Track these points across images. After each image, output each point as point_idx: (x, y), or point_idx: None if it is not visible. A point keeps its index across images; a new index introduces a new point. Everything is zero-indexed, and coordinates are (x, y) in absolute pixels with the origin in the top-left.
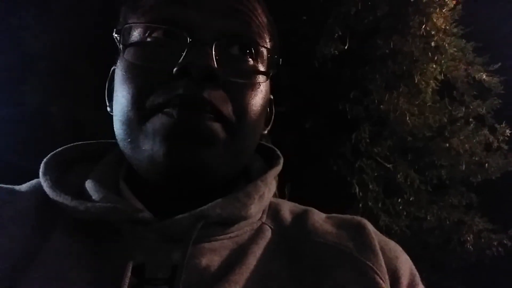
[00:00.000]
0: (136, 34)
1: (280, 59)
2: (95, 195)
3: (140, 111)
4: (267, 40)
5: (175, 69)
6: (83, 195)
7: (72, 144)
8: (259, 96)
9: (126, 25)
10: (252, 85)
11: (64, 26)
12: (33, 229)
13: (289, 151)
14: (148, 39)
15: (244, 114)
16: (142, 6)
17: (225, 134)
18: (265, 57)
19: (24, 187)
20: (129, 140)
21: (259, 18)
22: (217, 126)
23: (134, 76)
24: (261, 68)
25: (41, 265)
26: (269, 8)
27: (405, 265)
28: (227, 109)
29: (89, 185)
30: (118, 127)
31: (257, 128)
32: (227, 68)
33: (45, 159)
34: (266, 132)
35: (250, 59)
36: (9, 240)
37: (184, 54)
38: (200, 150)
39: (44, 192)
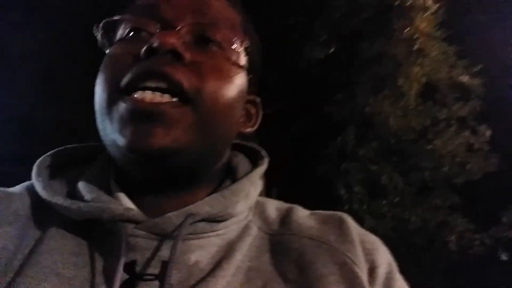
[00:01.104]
0: (117, 33)
1: (258, 58)
2: (87, 195)
3: (110, 96)
4: (240, 36)
5: (142, 50)
6: (76, 196)
7: (64, 147)
8: (228, 82)
9: (104, 21)
10: (220, 69)
11: (51, 30)
12: (27, 229)
13: (275, 154)
14: (127, 36)
15: (210, 95)
16: (125, 10)
17: (186, 114)
18: (236, 50)
19: (16, 188)
20: (101, 127)
21: (230, 15)
22: (176, 110)
23: (109, 64)
24: (232, 57)
25: (36, 264)
26: (255, 12)
27: (383, 256)
28: (190, 85)
29: (81, 186)
30: (96, 118)
31: (227, 116)
32: (195, 51)
33: (37, 162)
34: (249, 130)
35: (218, 47)
36: (4, 239)
37: (152, 37)
38: (158, 134)
39: (37, 193)
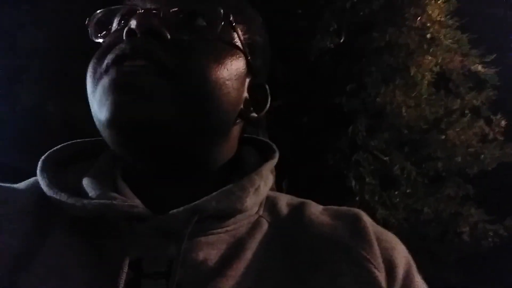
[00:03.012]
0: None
1: (261, 40)
2: (91, 192)
3: (94, 78)
4: (232, 13)
5: (124, 32)
6: (81, 192)
7: (70, 142)
8: (216, 59)
9: (93, 15)
10: (205, 45)
11: (58, 24)
12: (32, 227)
13: (286, 147)
14: (116, 27)
15: (193, 70)
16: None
17: (167, 87)
18: (227, 28)
19: (22, 185)
20: (92, 111)
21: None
22: (160, 80)
23: (96, 54)
24: (223, 35)
25: (41, 263)
26: (264, 2)
27: (401, 255)
28: (171, 61)
29: (86, 182)
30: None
31: (217, 94)
32: (176, 29)
33: (43, 157)
34: (254, 115)
35: (207, 25)
36: (9, 238)
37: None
38: (139, 104)
39: (42, 190)
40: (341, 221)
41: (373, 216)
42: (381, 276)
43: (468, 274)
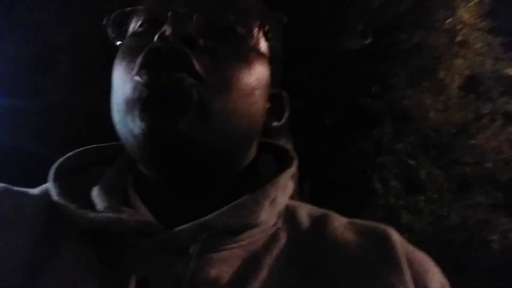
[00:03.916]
0: (130, 26)
1: (280, 48)
2: (100, 204)
3: (125, 86)
4: (259, 21)
5: (155, 38)
6: (91, 202)
7: (83, 148)
8: (246, 70)
9: (114, 14)
10: (237, 55)
11: (85, 20)
12: (42, 235)
13: (309, 147)
14: (139, 29)
15: (225, 81)
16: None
17: (201, 99)
18: (255, 38)
19: (35, 190)
20: (118, 120)
21: (248, 2)
22: (191, 91)
23: (124, 56)
24: (251, 44)
25: (51, 275)
26: (289, 3)
27: (436, 279)
28: (205, 71)
29: (95, 193)
30: (113, 114)
31: (245, 105)
32: (210, 38)
33: (55, 164)
34: (276, 124)
35: (236, 34)
36: (20, 244)
37: (164, 25)
38: (175, 117)
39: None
40: (368, 240)
41: (397, 221)
42: None
43: (495, 284)
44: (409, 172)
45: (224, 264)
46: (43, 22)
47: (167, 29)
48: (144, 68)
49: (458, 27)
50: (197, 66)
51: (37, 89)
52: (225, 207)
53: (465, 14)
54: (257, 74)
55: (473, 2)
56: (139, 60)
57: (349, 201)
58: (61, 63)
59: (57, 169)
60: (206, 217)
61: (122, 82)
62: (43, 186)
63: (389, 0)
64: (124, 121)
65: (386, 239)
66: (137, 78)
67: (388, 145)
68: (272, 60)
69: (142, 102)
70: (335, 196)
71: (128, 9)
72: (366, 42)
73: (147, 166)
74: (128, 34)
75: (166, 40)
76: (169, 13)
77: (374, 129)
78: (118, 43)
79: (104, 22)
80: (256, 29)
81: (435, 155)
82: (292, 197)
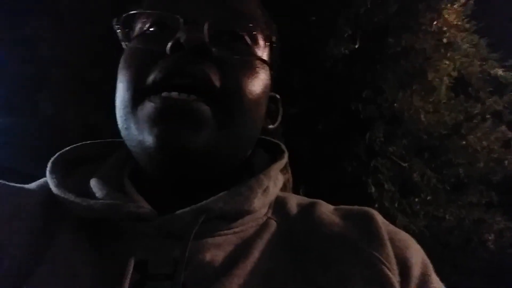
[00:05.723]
0: (136, 27)
1: (278, 54)
2: (98, 193)
3: (135, 94)
4: (264, 30)
5: (168, 45)
6: (89, 193)
7: (80, 144)
8: (254, 78)
9: (124, 15)
10: (247, 64)
11: (77, 35)
12: (41, 227)
13: (303, 153)
14: (147, 31)
15: (237, 92)
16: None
17: (215, 116)
18: (260, 45)
19: (32, 185)
20: (125, 127)
21: (253, 8)
22: (206, 108)
23: (132, 61)
24: (257, 52)
25: (50, 262)
26: (278, 10)
27: (416, 254)
28: (218, 82)
29: (93, 183)
30: (117, 115)
31: (253, 113)
32: (221, 47)
33: (52, 158)
34: (271, 126)
35: (244, 42)
36: (20, 236)
37: (178, 32)
38: (189, 133)
39: (51, 191)
40: (352, 221)
41: (393, 224)
42: (394, 277)
43: (493, 283)
44: (403, 174)
45: (218, 248)
46: (35, 39)
47: (181, 37)
48: (158, 82)
49: (444, 29)
50: (212, 81)
51: (28, 106)
52: (221, 193)
53: (451, 16)
54: (263, 82)
55: (458, 4)
56: (153, 75)
57: (344, 205)
58: (53, 79)
59: (53, 163)
60: (203, 202)
61: (127, 89)
62: (39, 181)
63: (376, 5)
64: (130, 129)
65: (369, 219)
66: (151, 94)
67: (381, 148)
68: (273, 66)
69: (153, 115)
70: (330, 201)
71: (136, 11)
72: (355, 46)
73: (153, 171)
74: (134, 35)
75: (179, 50)
76: (181, 20)
77: (366, 133)
78: (124, 45)
79: (113, 23)
80: (261, 37)
81: (427, 157)
82: None
